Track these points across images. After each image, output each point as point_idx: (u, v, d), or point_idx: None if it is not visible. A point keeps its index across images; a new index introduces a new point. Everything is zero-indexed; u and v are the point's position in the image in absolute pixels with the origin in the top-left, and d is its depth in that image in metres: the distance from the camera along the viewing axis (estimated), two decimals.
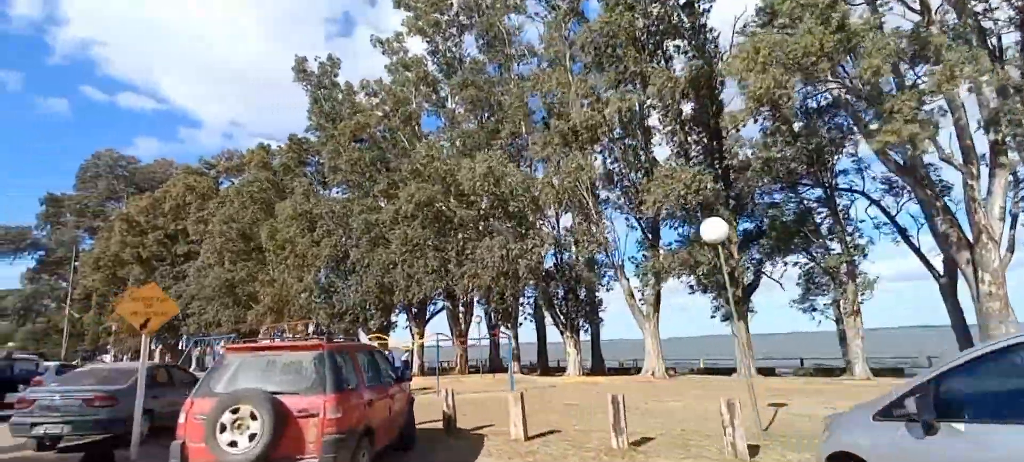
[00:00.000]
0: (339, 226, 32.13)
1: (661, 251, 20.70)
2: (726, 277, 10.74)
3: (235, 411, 4.97)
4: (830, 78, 17.03)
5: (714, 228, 9.64)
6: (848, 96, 17.63)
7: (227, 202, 44.50)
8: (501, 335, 28.81)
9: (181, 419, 5.30)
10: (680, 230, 21.24)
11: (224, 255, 41.39)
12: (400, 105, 30.98)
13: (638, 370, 25.37)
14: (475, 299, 29.85)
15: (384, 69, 35.76)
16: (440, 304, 35.19)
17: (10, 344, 47.40)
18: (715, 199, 18.30)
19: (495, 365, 31.46)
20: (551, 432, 9.47)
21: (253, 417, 4.92)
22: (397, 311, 34.10)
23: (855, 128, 19.12)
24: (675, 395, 15.32)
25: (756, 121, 19.31)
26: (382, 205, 31.51)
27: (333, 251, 31.44)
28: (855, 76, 16.13)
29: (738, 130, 20.19)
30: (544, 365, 31.18)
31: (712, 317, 23.11)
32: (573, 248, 24.32)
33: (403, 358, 18.07)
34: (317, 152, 43.07)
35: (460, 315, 30.50)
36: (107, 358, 50.94)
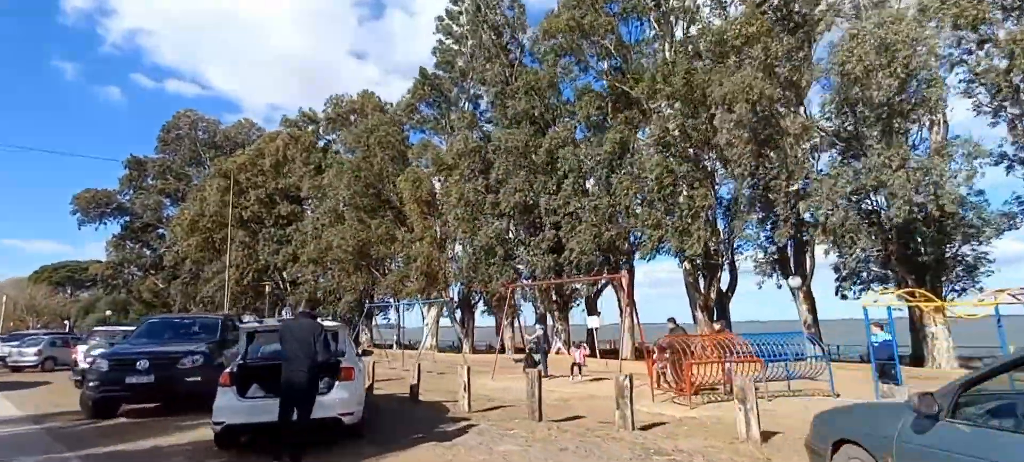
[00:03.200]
0: (520, 167, 24.47)
1: None
2: None
3: None
4: None
5: None
6: None
7: (348, 151, 37.95)
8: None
9: None
10: None
11: (344, 212, 34.75)
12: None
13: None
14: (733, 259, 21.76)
15: None
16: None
17: (107, 313, 42.87)
18: None
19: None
20: None
21: None
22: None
23: None
24: None
25: None
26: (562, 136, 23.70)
27: (521, 198, 23.92)
28: None
29: None
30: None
31: None
32: (940, 174, 15.52)
33: (883, 339, 10.37)
34: (447, 92, 35.65)
35: (701, 282, 22.45)
36: None
